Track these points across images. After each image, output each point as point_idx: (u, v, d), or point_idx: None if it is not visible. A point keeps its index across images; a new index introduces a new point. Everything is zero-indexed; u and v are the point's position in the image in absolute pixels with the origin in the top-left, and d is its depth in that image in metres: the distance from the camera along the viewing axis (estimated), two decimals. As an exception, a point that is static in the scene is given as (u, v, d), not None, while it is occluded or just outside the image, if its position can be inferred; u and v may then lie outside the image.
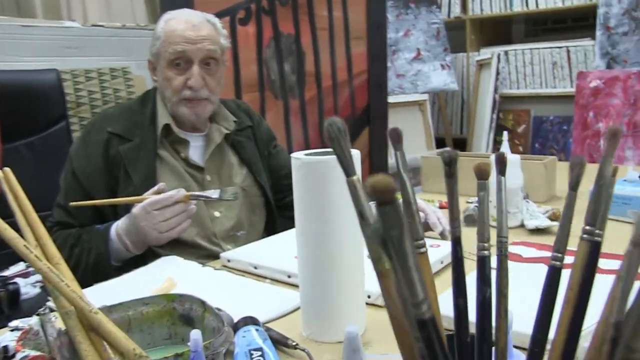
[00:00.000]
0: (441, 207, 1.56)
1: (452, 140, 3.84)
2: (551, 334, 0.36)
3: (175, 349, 0.73)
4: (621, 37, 3.25)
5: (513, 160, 1.43)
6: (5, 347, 0.75)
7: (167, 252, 1.33)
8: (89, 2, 3.29)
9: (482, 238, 0.38)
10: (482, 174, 0.36)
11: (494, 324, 0.37)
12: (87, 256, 1.28)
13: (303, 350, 0.75)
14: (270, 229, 1.55)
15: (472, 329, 0.38)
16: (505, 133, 1.49)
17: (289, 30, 2.52)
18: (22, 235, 0.66)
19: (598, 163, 0.37)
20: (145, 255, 1.34)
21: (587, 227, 0.35)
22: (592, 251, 0.34)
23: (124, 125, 1.41)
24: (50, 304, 0.73)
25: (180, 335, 0.74)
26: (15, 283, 1.38)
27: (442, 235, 1.26)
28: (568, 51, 3.53)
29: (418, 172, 1.98)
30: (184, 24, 1.38)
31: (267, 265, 1.13)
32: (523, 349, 0.53)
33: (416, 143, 3.44)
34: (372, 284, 0.83)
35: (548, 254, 1.14)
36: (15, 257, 0.67)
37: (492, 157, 1.41)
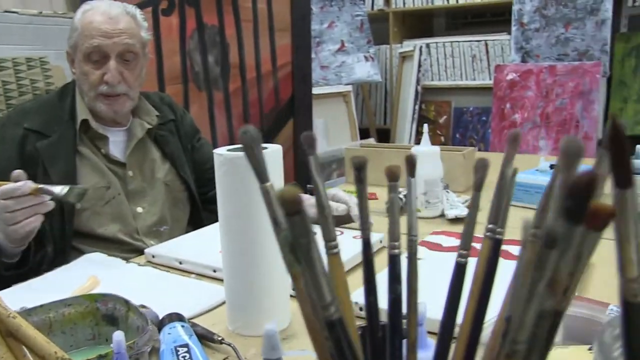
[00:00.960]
0: (370, 199, 1.60)
1: (375, 130, 3.91)
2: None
3: (99, 349, 0.73)
4: (533, 33, 3.40)
5: (433, 151, 1.48)
6: None
7: (90, 249, 1.31)
8: (0, -13, 3.14)
9: (393, 237, 0.40)
10: (392, 176, 0.38)
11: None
12: None
13: (229, 344, 0.77)
14: (195, 223, 1.55)
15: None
16: (425, 126, 1.54)
17: (213, 22, 2.50)
18: None
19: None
20: (68, 253, 1.32)
21: (490, 226, 0.38)
22: (494, 247, 0.37)
23: (41, 120, 1.37)
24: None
25: (105, 336, 0.74)
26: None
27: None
28: (486, 45, 3.66)
29: (342, 163, 2.02)
30: (101, 16, 1.34)
31: (192, 260, 1.13)
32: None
33: (341, 134, 3.49)
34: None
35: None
36: None
37: (413, 149, 1.46)
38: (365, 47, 3.66)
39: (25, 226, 1.09)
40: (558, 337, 0.59)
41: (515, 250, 0.98)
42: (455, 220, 1.41)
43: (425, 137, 1.50)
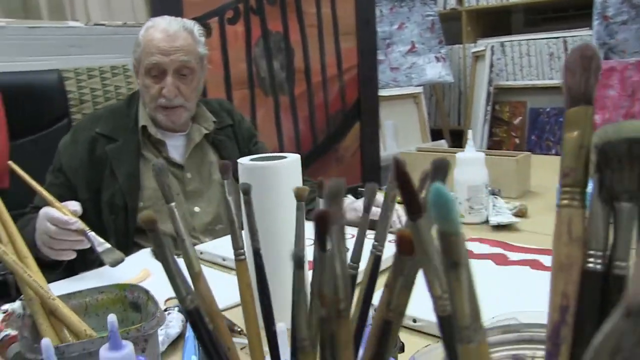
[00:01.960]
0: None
1: (449, 132, 3.89)
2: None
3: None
4: (619, 27, 3.23)
5: (477, 157, 1.48)
6: None
7: (149, 245, 1.44)
8: (91, 1, 3.39)
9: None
10: (300, 197, 0.44)
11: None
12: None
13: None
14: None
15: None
16: (469, 132, 1.54)
17: (278, 29, 2.60)
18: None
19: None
20: (129, 248, 1.45)
21: (375, 243, 0.43)
22: (375, 262, 0.42)
23: (110, 126, 1.51)
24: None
25: (131, 320, 0.83)
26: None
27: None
28: (565, 42, 3.54)
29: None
30: (160, 33, 1.45)
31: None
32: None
33: (411, 136, 3.50)
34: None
35: (500, 250, 1.21)
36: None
37: (457, 155, 1.48)
38: (436, 47, 3.65)
39: (58, 255, 1.18)
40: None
41: (547, 260, 0.99)
42: (499, 227, 1.40)
43: (470, 142, 1.50)
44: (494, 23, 3.92)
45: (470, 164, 1.46)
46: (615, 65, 3.16)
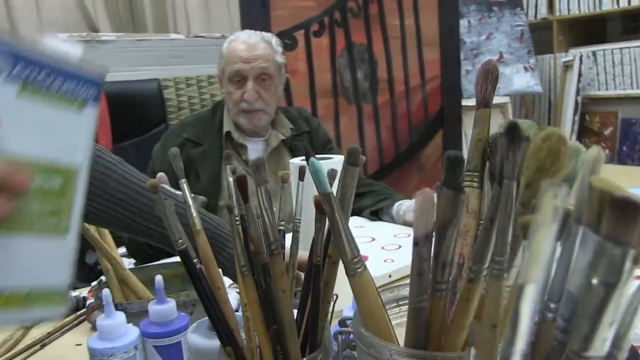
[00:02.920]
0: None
1: (537, 141, 3.84)
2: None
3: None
4: None
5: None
6: (83, 297, 1.04)
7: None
8: (192, 15, 3.67)
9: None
10: (283, 179, 0.56)
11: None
12: None
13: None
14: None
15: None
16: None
17: (362, 40, 2.72)
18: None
19: None
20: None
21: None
22: (316, 272, 0.52)
23: (196, 132, 1.69)
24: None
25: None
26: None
27: None
28: (662, 50, 3.44)
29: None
30: (242, 44, 1.62)
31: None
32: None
33: (497, 144, 3.50)
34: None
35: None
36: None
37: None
38: (525, 57, 3.64)
39: None
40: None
41: None
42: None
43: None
44: (588, 31, 3.83)
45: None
46: None
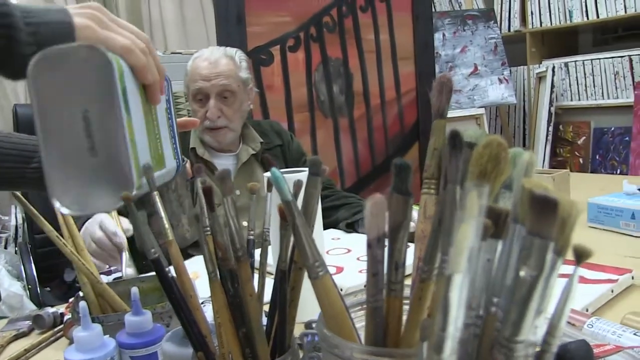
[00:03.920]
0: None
1: (513, 151, 3.90)
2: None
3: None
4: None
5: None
6: (61, 314, 1.05)
7: (199, 253, 1.61)
8: (168, 31, 3.69)
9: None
10: (251, 190, 0.58)
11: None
12: None
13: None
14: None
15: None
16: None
17: (337, 55, 2.76)
18: (59, 231, 0.95)
19: None
20: (183, 256, 1.62)
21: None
22: (281, 278, 0.54)
23: None
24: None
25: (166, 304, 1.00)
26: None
27: None
28: (631, 60, 3.52)
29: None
30: (203, 61, 1.63)
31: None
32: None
33: (473, 155, 3.56)
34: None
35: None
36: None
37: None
38: (499, 69, 3.71)
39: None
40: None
41: (588, 274, 1.06)
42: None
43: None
44: (560, 43, 3.92)
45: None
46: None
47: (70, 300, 1.09)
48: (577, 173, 2.94)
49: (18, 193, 0.92)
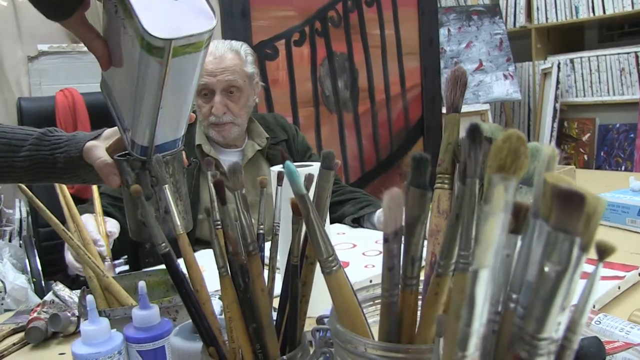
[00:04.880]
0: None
1: (517, 148, 3.89)
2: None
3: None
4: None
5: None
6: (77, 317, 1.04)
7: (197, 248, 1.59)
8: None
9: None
10: (261, 184, 0.58)
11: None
12: None
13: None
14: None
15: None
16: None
17: (342, 50, 2.76)
18: (66, 225, 0.94)
19: None
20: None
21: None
22: (293, 273, 0.54)
23: None
24: (54, 285, 1.04)
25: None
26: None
27: None
28: (637, 56, 3.50)
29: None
30: (209, 56, 1.57)
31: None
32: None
33: (478, 151, 3.55)
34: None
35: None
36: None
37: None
38: (504, 65, 3.70)
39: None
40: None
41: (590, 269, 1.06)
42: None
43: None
44: (566, 40, 3.90)
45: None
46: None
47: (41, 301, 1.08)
48: (582, 169, 2.93)
49: (24, 186, 0.92)
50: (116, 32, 0.62)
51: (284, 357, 0.49)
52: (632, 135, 3.49)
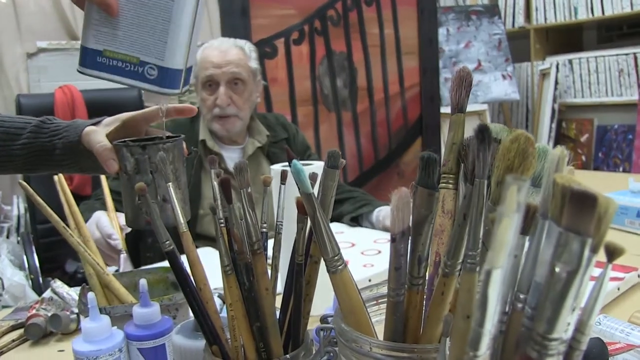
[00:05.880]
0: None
1: (515, 148, 3.89)
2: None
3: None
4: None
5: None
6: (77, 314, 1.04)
7: (202, 245, 1.60)
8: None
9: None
10: (265, 183, 0.58)
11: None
12: None
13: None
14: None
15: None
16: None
17: (341, 49, 2.75)
18: (66, 222, 0.94)
19: None
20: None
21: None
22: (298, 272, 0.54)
23: None
24: (53, 283, 1.04)
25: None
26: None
27: None
28: (635, 57, 3.51)
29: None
30: (214, 50, 1.62)
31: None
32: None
33: (476, 151, 3.55)
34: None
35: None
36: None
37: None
38: (502, 65, 3.70)
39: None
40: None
41: (596, 271, 1.06)
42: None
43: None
44: (565, 40, 3.91)
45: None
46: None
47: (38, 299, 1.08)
48: (580, 170, 2.93)
49: (24, 182, 0.92)
50: None
51: (287, 355, 0.49)
52: (630, 137, 3.50)
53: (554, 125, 3.61)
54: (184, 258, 0.52)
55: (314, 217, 0.38)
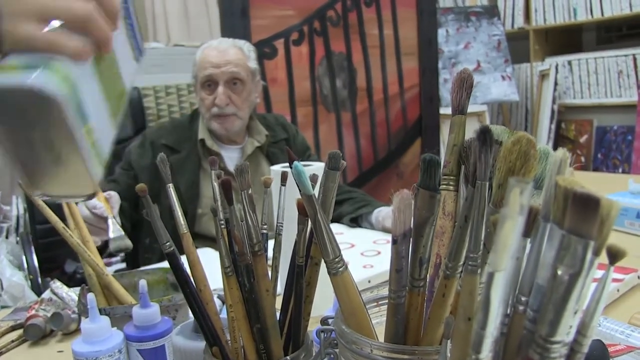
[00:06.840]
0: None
1: (514, 149, 3.90)
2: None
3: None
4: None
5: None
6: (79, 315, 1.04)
7: (201, 244, 1.60)
8: (172, 24, 3.67)
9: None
10: (265, 184, 0.57)
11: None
12: None
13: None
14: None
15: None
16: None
17: (341, 49, 2.75)
18: (65, 222, 0.94)
19: None
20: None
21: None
22: (298, 273, 0.54)
23: (174, 138, 1.69)
24: (52, 283, 1.03)
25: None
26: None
27: None
28: (635, 58, 3.51)
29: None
30: (213, 50, 1.62)
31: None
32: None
33: (475, 152, 3.55)
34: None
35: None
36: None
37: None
38: (502, 66, 3.70)
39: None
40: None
41: (596, 273, 1.07)
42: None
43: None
44: (564, 41, 3.91)
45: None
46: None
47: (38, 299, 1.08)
48: (579, 172, 2.93)
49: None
50: None
51: (288, 357, 0.49)
52: (629, 138, 3.50)
53: (553, 126, 3.61)
54: (183, 259, 0.52)
55: (315, 218, 0.38)
